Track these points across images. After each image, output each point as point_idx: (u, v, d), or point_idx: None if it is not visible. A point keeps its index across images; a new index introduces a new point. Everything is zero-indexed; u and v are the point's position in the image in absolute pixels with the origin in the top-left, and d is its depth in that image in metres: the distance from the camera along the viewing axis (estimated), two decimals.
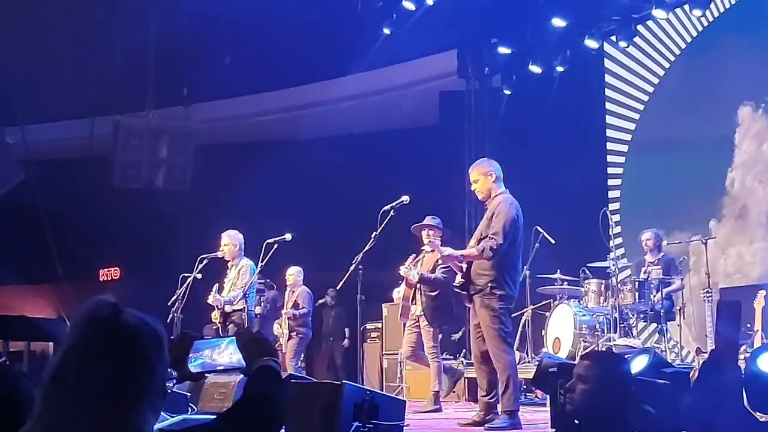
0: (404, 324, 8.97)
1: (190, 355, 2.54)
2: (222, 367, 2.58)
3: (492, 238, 6.66)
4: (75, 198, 14.98)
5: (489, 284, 6.70)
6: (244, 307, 9.30)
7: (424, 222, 8.69)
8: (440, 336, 9.08)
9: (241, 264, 9.51)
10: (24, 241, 14.49)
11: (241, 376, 2.31)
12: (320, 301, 13.18)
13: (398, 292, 9.05)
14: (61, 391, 1.85)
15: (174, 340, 2.57)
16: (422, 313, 8.61)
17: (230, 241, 9.51)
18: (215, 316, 9.42)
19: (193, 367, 2.55)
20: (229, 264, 9.62)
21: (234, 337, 2.54)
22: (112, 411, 1.84)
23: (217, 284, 9.51)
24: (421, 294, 8.63)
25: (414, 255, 8.93)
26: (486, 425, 6.67)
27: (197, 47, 13.48)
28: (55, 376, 1.87)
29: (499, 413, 6.72)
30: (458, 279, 6.93)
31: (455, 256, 6.87)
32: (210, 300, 9.41)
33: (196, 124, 14.63)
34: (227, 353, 2.56)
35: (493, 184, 6.93)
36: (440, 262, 8.35)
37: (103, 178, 14.06)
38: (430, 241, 8.00)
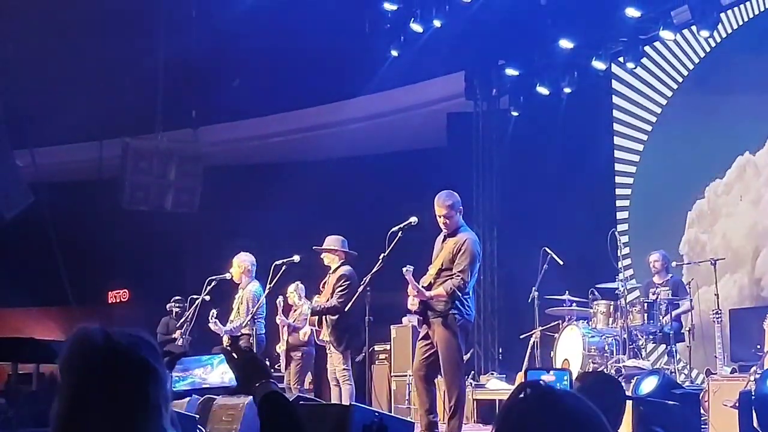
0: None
1: (177, 375, 2.53)
2: (210, 386, 2.57)
3: (458, 275, 6.97)
4: (84, 220, 15.01)
5: (451, 311, 6.98)
6: (252, 332, 9.36)
7: (325, 245, 9.00)
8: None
9: (247, 289, 9.59)
10: (33, 263, 14.53)
11: (250, 398, 2.30)
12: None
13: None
14: None
15: None
16: (329, 338, 8.84)
17: (237, 263, 9.62)
18: (225, 340, 9.46)
19: (183, 386, 2.54)
20: (239, 287, 9.71)
21: (223, 356, 2.52)
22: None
23: (215, 311, 9.57)
24: (325, 319, 8.90)
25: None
26: None
27: (205, 70, 13.56)
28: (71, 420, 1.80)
29: None
30: (411, 303, 7.09)
31: (428, 296, 7.04)
32: (211, 326, 9.48)
33: (204, 147, 14.68)
34: (218, 372, 2.55)
35: (460, 219, 7.24)
36: (339, 284, 8.66)
37: (112, 201, 14.10)
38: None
